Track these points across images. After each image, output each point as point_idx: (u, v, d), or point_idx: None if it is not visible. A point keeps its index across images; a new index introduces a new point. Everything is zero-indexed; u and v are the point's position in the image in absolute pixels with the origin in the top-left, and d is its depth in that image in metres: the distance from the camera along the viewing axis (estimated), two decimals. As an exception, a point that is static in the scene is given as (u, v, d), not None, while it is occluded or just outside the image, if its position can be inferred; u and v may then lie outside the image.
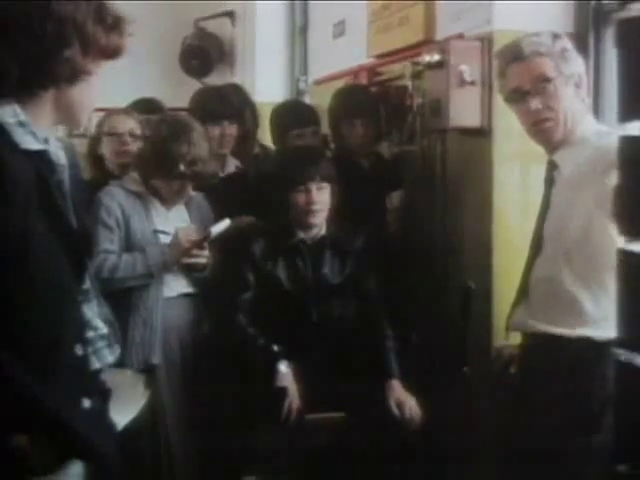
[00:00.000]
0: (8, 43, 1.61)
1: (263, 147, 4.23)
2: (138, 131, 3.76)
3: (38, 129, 1.67)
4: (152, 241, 3.27)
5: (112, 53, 1.74)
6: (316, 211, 3.27)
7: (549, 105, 2.51)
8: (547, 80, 2.51)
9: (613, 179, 2.27)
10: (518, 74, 2.55)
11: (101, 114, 3.81)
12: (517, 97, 2.56)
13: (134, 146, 3.70)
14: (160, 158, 3.26)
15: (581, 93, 2.56)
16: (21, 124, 1.64)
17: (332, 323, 3.28)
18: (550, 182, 2.61)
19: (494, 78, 2.96)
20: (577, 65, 2.56)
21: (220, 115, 3.83)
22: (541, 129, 2.55)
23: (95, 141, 3.82)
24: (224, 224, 3.19)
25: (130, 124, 3.79)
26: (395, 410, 3.12)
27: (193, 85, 5.18)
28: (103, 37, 1.70)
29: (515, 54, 2.55)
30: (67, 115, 1.74)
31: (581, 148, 2.50)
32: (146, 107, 4.29)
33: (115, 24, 1.72)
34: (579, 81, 2.55)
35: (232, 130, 3.87)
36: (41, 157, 1.67)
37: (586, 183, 2.45)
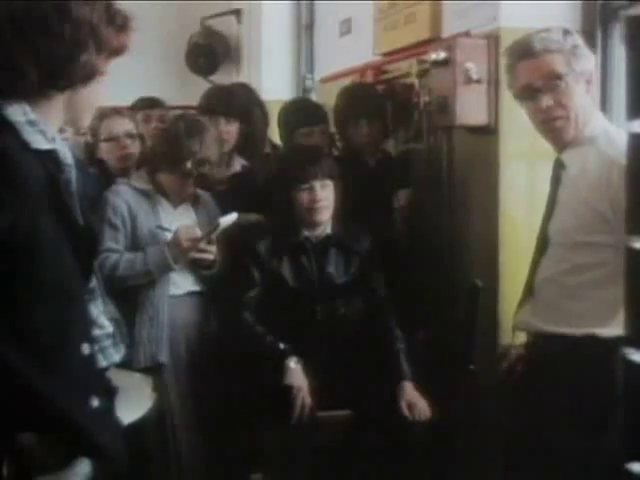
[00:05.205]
0: (26, 45, 1.61)
1: (275, 146, 4.20)
2: (134, 131, 3.73)
3: (47, 128, 1.67)
4: (157, 238, 3.27)
5: (119, 51, 1.75)
6: (321, 208, 3.27)
7: (560, 102, 2.48)
8: (558, 77, 2.48)
9: (616, 183, 2.30)
10: (529, 71, 2.52)
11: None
12: (527, 94, 2.54)
13: (133, 148, 3.67)
14: (171, 152, 3.27)
15: (591, 90, 2.55)
16: (30, 123, 1.64)
17: (337, 322, 3.27)
18: (557, 181, 2.59)
19: (501, 76, 2.95)
20: (588, 62, 2.54)
21: (219, 113, 3.76)
22: (551, 127, 2.53)
23: (92, 146, 3.74)
24: (232, 217, 3.18)
25: (126, 125, 3.70)
26: (406, 412, 3.11)
27: (199, 83, 5.18)
28: (114, 38, 1.70)
29: (525, 51, 2.52)
30: (76, 114, 1.75)
31: (589, 148, 2.49)
32: (148, 106, 4.28)
33: (124, 24, 1.72)
34: (590, 78, 2.53)
35: (231, 128, 3.80)
36: (50, 156, 1.68)
37: (592, 184, 2.44)
